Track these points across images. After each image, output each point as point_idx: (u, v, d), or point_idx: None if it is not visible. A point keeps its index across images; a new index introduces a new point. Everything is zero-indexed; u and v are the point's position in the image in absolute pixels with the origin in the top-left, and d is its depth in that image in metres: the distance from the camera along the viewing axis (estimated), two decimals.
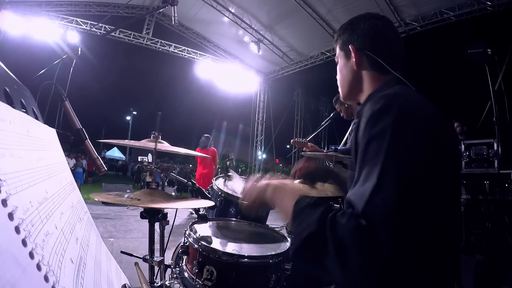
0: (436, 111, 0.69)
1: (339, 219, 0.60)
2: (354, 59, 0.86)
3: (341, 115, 2.74)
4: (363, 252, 0.55)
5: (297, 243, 0.64)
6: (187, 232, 1.20)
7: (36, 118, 0.88)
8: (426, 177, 0.60)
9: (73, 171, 11.37)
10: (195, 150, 5.40)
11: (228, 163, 2.01)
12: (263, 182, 0.87)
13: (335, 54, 0.97)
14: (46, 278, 0.44)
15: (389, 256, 0.54)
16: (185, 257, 1.21)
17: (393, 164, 0.59)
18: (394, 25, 0.90)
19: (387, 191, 0.58)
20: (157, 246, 1.25)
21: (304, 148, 2.48)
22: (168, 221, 1.29)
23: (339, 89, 0.96)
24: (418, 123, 0.64)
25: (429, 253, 0.61)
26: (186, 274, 1.15)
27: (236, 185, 1.84)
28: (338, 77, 0.95)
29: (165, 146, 1.37)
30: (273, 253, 1.13)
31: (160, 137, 1.35)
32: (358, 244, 0.55)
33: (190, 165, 21.19)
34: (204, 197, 1.41)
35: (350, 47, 0.87)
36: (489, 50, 3.26)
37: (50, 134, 0.83)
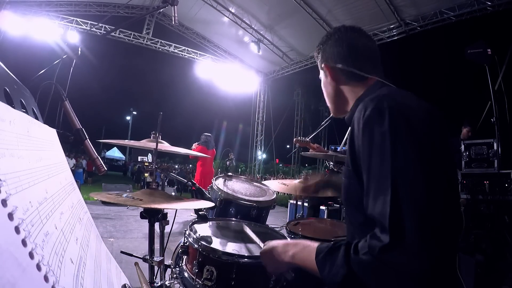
0: (424, 107, 0.70)
1: (361, 250, 0.63)
2: (329, 76, 0.90)
3: None
4: (395, 269, 0.58)
5: None
6: (187, 232, 1.20)
7: (36, 118, 0.88)
8: (431, 174, 0.61)
9: (73, 171, 11.36)
10: (197, 149, 5.38)
11: (228, 163, 2.01)
12: (279, 248, 0.86)
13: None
14: (46, 278, 0.44)
15: (420, 263, 0.56)
16: (185, 257, 1.21)
17: (401, 173, 0.60)
18: (362, 30, 0.91)
19: (406, 202, 0.59)
20: (157, 246, 1.25)
21: (310, 150, 2.44)
22: (168, 221, 1.29)
23: (329, 107, 0.99)
24: (411, 122, 0.64)
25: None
26: (186, 274, 1.15)
27: (236, 185, 1.84)
28: (324, 94, 0.98)
29: (165, 146, 1.37)
30: None
31: (160, 137, 1.35)
32: (386, 264, 0.58)
33: (190, 165, 21.18)
34: (205, 197, 1.41)
35: (323, 65, 0.91)
36: (489, 50, 3.27)
37: (50, 134, 0.83)
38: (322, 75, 0.96)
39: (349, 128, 0.79)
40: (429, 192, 0.60)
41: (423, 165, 0.61)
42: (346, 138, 2.76)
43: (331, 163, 2.29)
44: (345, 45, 0.88)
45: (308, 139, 2.46)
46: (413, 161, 0.61)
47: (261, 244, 1.05)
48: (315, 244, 0.76)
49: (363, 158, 0.67)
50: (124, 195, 1.08)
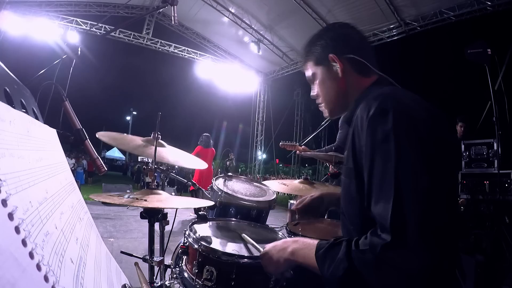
0: (427, 107, 0.69)
1: (362, 246, 0.63)
2: (338, 67, 0.84)
3: None
4: (395, 267, 0.58)
5: (335, 285, 0.66)
6: (187, 232, 1.20)
7: (36, 118, 0.88)
8: (435, 177, 0.61)
9: (74, 171, 11.35)
10: (194, 149, 5.42)
11: (228, 163, 2.01)
12: (278, 246, 0.87)
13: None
14: (46, 278, 0.44)
15: (421, 262, 0.57)
16: (185, 257, 1.21)
17: (405, 173, 0.60)
18: (357, 28, 0.90)
19: (408, 202, 0.59)
20: (157, 246, 1.25)
21: (297, 152, 2.50)
22: (168, 221, 1.29)
23: (325, 107, 0.92)
24: (415, 123, 0.64)
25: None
26: (186, 274, 1.15)
27: (236, 185, 1.84)
28: (321, 94, 0.91)
29: (164, 151, 1.37)
30: None
31: (160, 137, 1.35)
32: (387, 262, 0.59)
33: None
34: (204, 197, 1.41)
35: (330, 56, 0.85)
36: (489, 50, 3.26)
37: (50, 134, 0.83)
38: (319, 72, 0.89)
39: (350, 127, 0.77)
40: (432, 193, 0.60)
41: (427, 165, 0.61)
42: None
43: (331, 164, 2.28)
44: (350, 38, 0.86)
45: (293, 143, 2.52)
46: (417, 162, 0.61)
47: (261, 249, 1.05)
48: (315, 241, 0.75)
49: (365, 157, 0.67)
50: (126, 196, 1.08)
